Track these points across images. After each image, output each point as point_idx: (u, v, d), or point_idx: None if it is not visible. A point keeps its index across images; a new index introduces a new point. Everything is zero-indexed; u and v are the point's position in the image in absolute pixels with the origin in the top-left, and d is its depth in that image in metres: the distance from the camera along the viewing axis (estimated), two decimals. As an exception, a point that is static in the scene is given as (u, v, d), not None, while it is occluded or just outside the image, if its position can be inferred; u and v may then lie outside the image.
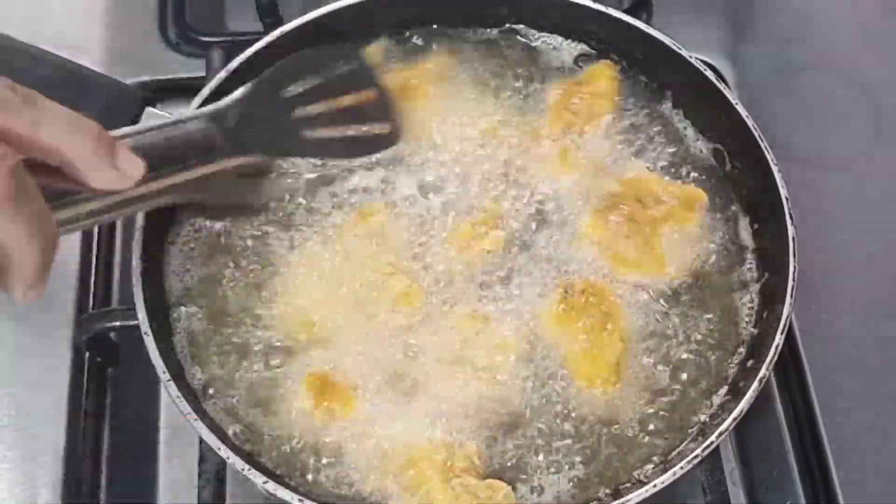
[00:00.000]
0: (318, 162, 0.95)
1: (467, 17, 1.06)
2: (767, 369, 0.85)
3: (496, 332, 0.90)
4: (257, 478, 0.80)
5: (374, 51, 1.03)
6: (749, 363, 0.89)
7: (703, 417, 0.88)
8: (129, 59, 1.21)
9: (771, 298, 0.91)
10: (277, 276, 0.93)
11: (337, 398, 0.86)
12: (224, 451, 0.81)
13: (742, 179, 0.98)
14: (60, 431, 1.00)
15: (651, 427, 0.88)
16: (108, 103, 0.95)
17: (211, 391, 0.89)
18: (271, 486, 0.80)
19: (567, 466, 0.86)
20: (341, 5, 1.02)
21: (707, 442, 0.82)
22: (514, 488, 0.84)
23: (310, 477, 0.85)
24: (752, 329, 0.92)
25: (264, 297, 0.92)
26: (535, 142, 0.99)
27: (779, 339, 0.86)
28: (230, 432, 0.86)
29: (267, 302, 0.92)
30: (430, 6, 1.05)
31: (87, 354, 1.04)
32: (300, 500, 0.80)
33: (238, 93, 0.90)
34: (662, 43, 1.00)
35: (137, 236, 0.89)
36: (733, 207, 0.98)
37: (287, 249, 0.94)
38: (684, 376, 0.90)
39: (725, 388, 0.90)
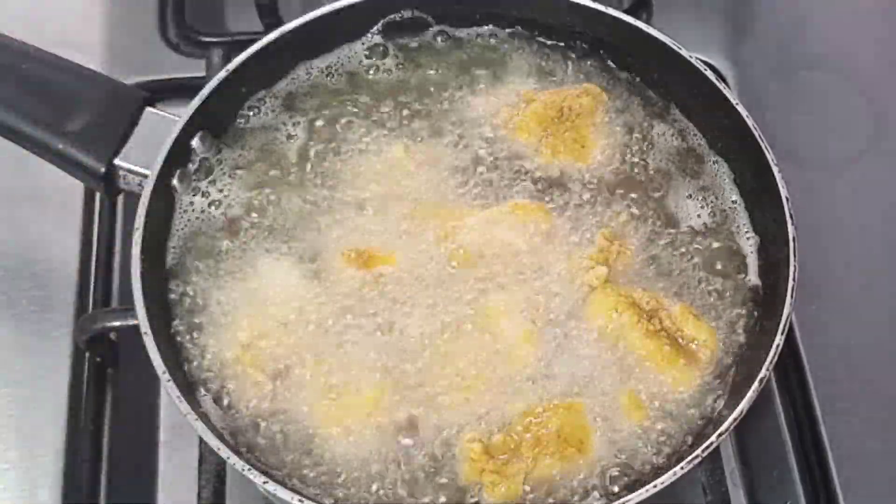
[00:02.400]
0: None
1: (465, 17, 1.06)
2: (767, 369, 0.84)
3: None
4: (257, 478, 0.80)
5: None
6: (749, 364, 0.89)
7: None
8: (129, 59, 1.22)
9: (771, 298, 0.91)
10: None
11: None
12: (224, 451, 0.81)
13: (743, 180, 0.98)
14: (60, 431, 1.00)
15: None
16: (108, 103, 0.95)
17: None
18: (271, 487, 0.80)
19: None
20: (341, 5, 1.02)
21: (707, 442, 0.82)
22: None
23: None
24: (753, 329, 0.92)
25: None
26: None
27: (779, 339, 0.85)
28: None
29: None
30: (428, 6, 1.05)
31: (87, 354, 1.04)
32: (300, 501, 0.80)
33: None
34: (662, 43, 1.00)
35: (137, 236, 0.89)
36: (734, 198, 0.98)
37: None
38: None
39: (727, 387, 0.90)
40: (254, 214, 0.96)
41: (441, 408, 0.88)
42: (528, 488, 0.85)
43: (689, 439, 0.87)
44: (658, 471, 0.85)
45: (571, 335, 0.90)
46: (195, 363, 0.89)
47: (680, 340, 0.90)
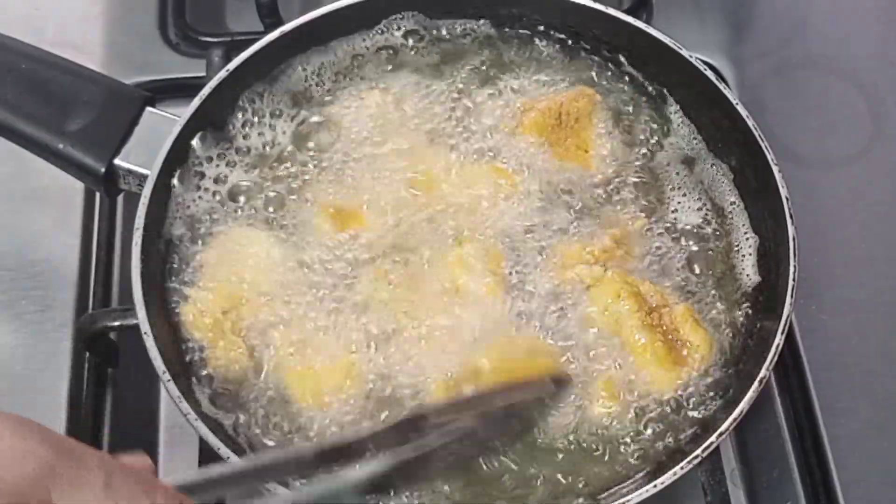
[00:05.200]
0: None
1: (464, 18, 1.06)
2: (767, 369, 0.84)
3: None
4: (257, 478, 0.80)
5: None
6: (749, 363, 0.89)
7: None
8: (129, 59, 1.21)
9: (771, 298, 0.91)
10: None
11: None
12: (224, 451, 0.81)
13: (742, 180, 0.98)
14: (60, 432, 1.00)
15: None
16: (108, 103, 0.95)
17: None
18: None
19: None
20: (341, 5, 1.02)
21: (707, 442, 0.82)
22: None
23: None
24: (753, 329, 0.92)
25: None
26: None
27: (779, 339, 0.86)
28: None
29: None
30: (428, 7, 1.05)
31: (87, 354, 1.04)
32: (300, 501, 0.80)
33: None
34: (662, 43, 1.00)
35: (137, 236, 0.89)
36: (733, 198, 0.98)
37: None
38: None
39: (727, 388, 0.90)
40: (252, 207, 0.96)
41: (413, 369, 0.88)
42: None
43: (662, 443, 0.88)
44: (658, 471, 0.85)
45: (551, 307, 0.91)
46: (194, 360, 0.89)
47: (674, 341, 0.89)
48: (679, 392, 0.88)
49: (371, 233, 0.94)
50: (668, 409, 0.88)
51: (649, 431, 0.87)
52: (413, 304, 0.90)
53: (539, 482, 0.85)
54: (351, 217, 0.94)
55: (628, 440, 0.87)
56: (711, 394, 0.89)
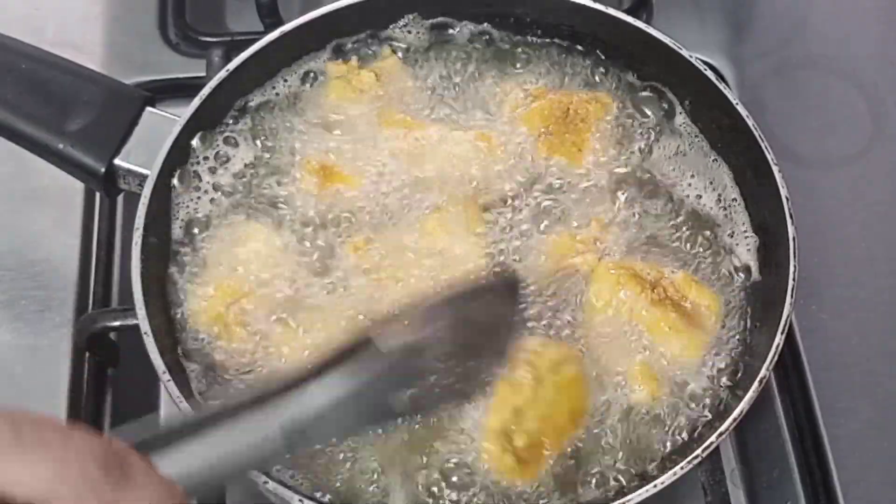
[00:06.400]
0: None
1: (465, 17, 1.06)
2: (767, 369, 0.84)
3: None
4: (257, 478, 0.80)
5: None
6: (749, 364, 0.89)
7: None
8: (129, 59, 1.22)
9: (771, 298, 0.91)
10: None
11: None
12: (224, 452, 0.81)
13: (742, 180, 0.98)
14: (60, 431, 1.00)
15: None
16: (108, 103, 0.95)
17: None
18: (271, 486, 0.80)
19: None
20: (341, 5, 1.02)
21: (707, 442, 0.82)
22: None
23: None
24: (753, 329, 0.92)
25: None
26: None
27: (779, 339, 0.85)
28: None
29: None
30: (429, 7, 1.05)
31: (87, 354, 1.04)
32: (300, 501, 0.80)
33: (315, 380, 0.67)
34: (662, 43, 1.00)
35: (137, 236, 0.89)
36: (734, 197, 0.98)
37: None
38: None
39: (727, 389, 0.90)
40: (252, 203, 0.96)
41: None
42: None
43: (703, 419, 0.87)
44: (658, 470, 0.85)
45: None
46: (196, 356, 0.89)
47: (686, 306, 0.90)
48: (707, 358, 0.89)
49: (356, 195, 0.95)
50: (683, 398, 0.88)
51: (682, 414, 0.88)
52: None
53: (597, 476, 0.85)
54: (336, 177, 0.95)
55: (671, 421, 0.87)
56: (713, 391, 0.89)
